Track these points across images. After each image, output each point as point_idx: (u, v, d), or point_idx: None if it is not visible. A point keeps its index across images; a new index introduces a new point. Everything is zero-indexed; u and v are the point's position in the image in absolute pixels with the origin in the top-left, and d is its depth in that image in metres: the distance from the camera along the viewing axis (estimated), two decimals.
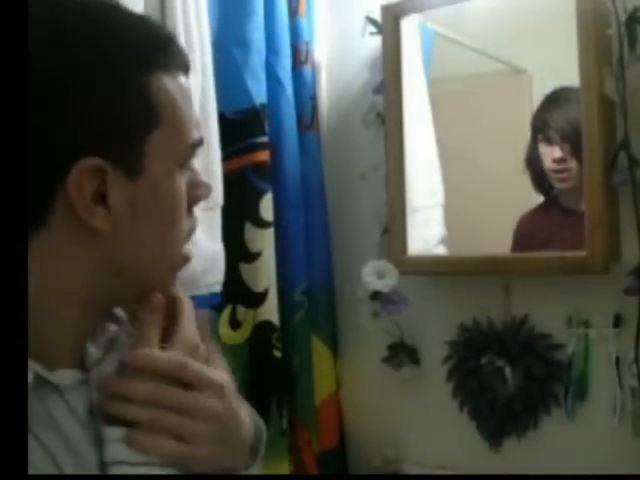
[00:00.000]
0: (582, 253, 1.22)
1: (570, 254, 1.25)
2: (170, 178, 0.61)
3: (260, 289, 1.45)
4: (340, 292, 1.60)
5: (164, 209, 0.61)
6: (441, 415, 1.46)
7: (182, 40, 1.31)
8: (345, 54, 1.61)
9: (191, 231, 0.66)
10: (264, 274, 1.45)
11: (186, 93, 0.62)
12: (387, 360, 1.50)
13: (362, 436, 1.57)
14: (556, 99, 1.33)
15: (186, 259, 0.66)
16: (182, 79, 0.62)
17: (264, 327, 1.45)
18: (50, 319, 0.60)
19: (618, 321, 1.25)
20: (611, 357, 1.25)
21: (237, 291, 1.44)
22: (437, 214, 1.50)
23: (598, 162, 1.20)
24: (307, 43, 1.57)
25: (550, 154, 1.33)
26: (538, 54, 1.36)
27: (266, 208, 1.45)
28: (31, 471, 0.55)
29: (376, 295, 1.42)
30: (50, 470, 0.57)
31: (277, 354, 1.46)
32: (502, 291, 1.37)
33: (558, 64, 1.33)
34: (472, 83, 1.49)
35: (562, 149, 1.31)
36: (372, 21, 1.49)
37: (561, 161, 1.32)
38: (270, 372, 1.46)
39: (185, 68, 0.63)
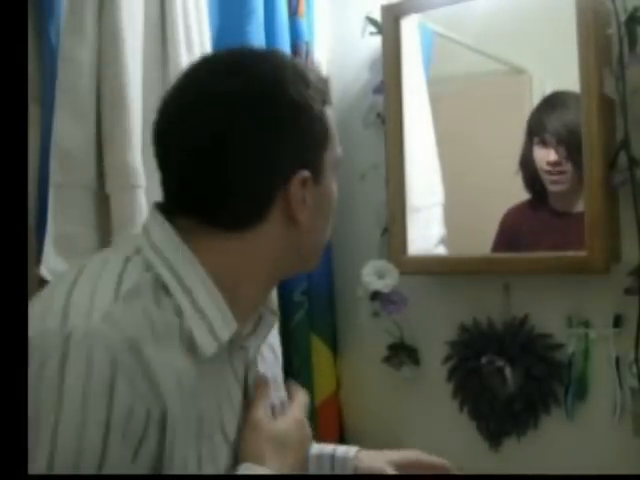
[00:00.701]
0: (582, 253, 1.22)
1: (570, 254, 1.25)
2: (332, 183, 0.83)
3: None
4: (340, 292, 1.60)
5: (330, 206, 0.84)
6: (441, 415, 1.46)
7: (182, 40, 1.31)
8: (345, 54, 1.61)
9: None
10: None
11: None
12: (387, 360, 1.50)
13: (362, 436, 1.57)
14: (553, 102, 1.33)
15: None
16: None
17: None
18: (246, 294, 0.78)
19: (618, 321, 1.25)
20: (611, 357, 1.25)
21: None
22: (437, 214, 1.50)
23: (598, 162, 1.20)
24: (307, 43, 1.57)
25: (545, 157, 1.33)
26: (538, 54, 1.36)
27: None
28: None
29: (376, 295, 1.42)
30: (216, 419, 0.76)
31: None
32: (502, 291, 1.37)
33: (558, 64, 1.33)
34: (472, 83, 1.49)
35: (557, 152, 1.31)
36: (372, 21, 1.49)
37: (556, 164, 1.32)
38: None
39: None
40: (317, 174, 0.78)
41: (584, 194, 1.22)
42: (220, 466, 0.76)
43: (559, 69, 1.33)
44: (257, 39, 1.46)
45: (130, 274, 0.71)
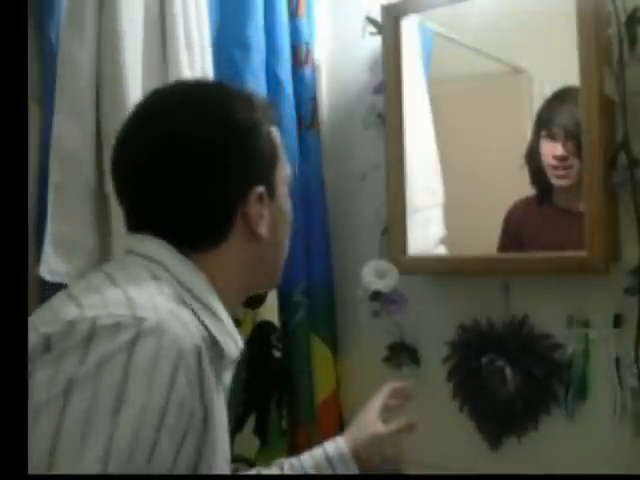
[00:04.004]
0: (582, 253, 1.22)
1: (570, 254, 1.25)
2: (285, 198, 0.89)
3: None
4: (340, 292, 1.60)
5: (285, 220, 0.89)
6: (441, 415, 1.46)
7: (182, 40, 1.31)
8: (345, 54, 1.61)
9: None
10: None
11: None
12: (387, 360, 1.50)
13: None
14: (563, 97, 1.32)
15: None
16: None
17: (264, 327, 1.45)
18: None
19: (618, 321, 1.25)
20: (611, 357, 1.25)
21: None
22: (437, 214, 1.50)
23: (598, 162, 1.20)
24: (307, 43, 1.57)
25: (552, 150, 1.32)
26: (538, 54, 1.36)
27: None
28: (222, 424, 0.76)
29: (376, 295, 1.42)
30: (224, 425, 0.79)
31: (277, 354, 1.46)
32: (502, 291, 1.37)
33: (558, 64, 1.32)
34: (472, 83, 1.49)
35: (564, 147, 1.30)
36: (372, 21, 1.49)
37: (562, 159, 1.31)
38: (270, 372, 1.46)
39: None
40: (271, 190, 0.84)
41: (584, 194, 1.22)
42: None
43: (559, 69, 1.33)
44: (257, 39, 1.46)
45: (163, 289, 0.74)
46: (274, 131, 0.88)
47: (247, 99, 0.86)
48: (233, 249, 0.81)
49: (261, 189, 0.82)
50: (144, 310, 0.66)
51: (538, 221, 1.39)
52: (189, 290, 0.76)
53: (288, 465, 1.05)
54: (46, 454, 0.58)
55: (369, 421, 1.08)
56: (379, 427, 1.07)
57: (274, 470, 1.04)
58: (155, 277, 0.75)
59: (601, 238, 1.20)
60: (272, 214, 0.85)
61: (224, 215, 0.81)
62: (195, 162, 0.78)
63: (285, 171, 0.89)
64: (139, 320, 0.65)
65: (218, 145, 0.79)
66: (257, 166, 0.83)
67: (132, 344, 0.63)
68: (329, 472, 1.03)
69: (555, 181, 1.34)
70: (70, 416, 0.59)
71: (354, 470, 1.04)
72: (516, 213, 1.40)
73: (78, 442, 0.58)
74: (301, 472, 1.03)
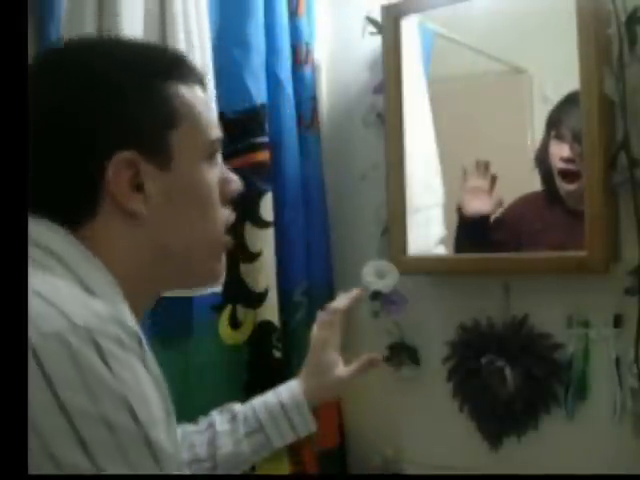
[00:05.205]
0: (582, 253, 1.22)
1: (570, 254, 1.25)
2: (197, 170, 0.73)
3: (260, 289, 1.44)
4: (340, 292, 1.59)
5: (195, 196, 0.73)
6: (441, 415, 1.46)
7: (182, 40, 1.31)
8: (345, 54, 1.61)
9: (228, 222, 0.78)
10: (264, 274, 1.45)
11: (202, 100, 0.76)
12: (387, 360, 1.50)
13: (362, 436, 1.57)
14: (575, 99, 1.32)
15: (224, 247, 0.78)
16: (198, 89, 0.76)
17: (264, 327, 1.45)
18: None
19: (618, 321, 1.25)
20: (611, 357, 1.25)
21: (237, 291, 1.44)
22: (437, 214, 1.50)
23: (598, 162, 1.20)
24: (307, 43, 1.57)
25: (559, 152, 1.32)
26: (538, 54, 1.36)
27: (266, 208, 1.45)
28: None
29: (376, 295, 1.42)
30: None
31: (277, 354, 1.46)
32: (502, 291, 1.37)
33: (558, 64, 1.32)
34: (472, 83, 1.49)
35: (572, 149, 1.29)
36: (372, 21, 1.49)
37: (569, 161, 1.31)
38: (270, 372, 1.46)
39: (200, 82, 0.77)
40: (160, 157, 0.70)
41: (584, 194, 1.22)
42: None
43: (559, 69, 1.33)
44: (257, 39, 1.46)
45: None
46: (178, 88, 0.73)
47: (136, 50, 0.75)
48: (106, 228, 0.68)
49: (127, 154, 0.68)
50: (74, 313, 0.58)
51: (546, 218, 1.38)
52: (89, 289, 0.64)
53: (242, 416, 1.03)
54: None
55: (330, 363, 1.09)
56: (341, 371, 1.09)
57: (225, 416, 1.03)
58: (45, 267, 0.64)
59: (601, 238, 1.20)
60: (164, 189, 0.70)
61: (80, 185, 0.68)
62: (50, 129, 0.67)
63: (199, 137, 0.74)
64: (86, 328, 0.57)
65: (72, 107, 0.68)
66: (131, 126, 0.69)
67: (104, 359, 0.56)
68: (285, 423, 1.05)
69: (562, 185, 1.33)
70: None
71: (309, 418, 1.08)
72: (521, 209, 1.40)
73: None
74: (256, 424, 1.03)
